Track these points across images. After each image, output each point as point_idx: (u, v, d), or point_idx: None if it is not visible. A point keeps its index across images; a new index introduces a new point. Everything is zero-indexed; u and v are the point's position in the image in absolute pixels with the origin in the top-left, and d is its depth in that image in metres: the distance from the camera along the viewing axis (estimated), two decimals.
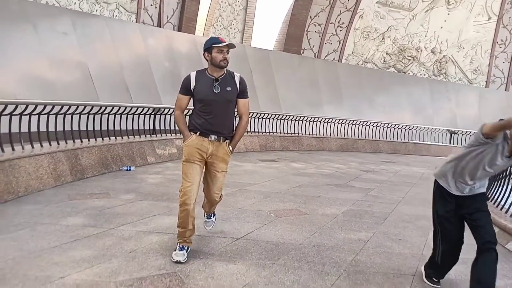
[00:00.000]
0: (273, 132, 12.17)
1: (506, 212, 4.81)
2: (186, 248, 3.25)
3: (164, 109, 8.96)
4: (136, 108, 8.17)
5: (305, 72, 15.92)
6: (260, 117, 11.59)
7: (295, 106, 14.54)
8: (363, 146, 13.97)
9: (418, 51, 18.48)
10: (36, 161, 5.14)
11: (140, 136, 8.10)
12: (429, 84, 18.27)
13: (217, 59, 3.16)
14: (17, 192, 4.69)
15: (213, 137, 3.23)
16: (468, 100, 18.36)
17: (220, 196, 3.49)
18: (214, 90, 3.16)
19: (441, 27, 18.18)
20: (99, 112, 7.10)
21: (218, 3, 17.23)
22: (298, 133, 12.79)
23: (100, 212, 4.33)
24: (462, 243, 3.03)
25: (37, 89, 9.10)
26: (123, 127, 7.74)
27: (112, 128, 7.45)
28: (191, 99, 3.30)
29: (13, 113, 5.24)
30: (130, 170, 6.90)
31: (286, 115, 12.68)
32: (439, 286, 3.08)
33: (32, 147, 5.52)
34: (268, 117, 11.98)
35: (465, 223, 2.98)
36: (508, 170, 5.33)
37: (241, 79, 3.29)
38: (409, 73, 18.55)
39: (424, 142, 15.39)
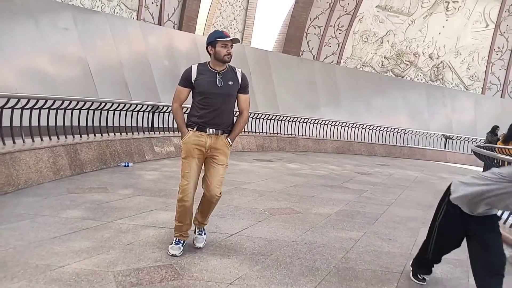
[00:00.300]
0: (270, 133, 12.29)
1: (504, 222, 4.92)
2: (182, 242, 3.35)
3: (163, 107, 9.07)
4: (135, 105, 8.27)
5: (303, 74, 16.05)
6: (258, 117, 11.71)
7: (292, 107, 14.67)
8: (359, 148, 14.11)
9: (416, 56, 18.66)
10: (36, 155, 5.24)
11: (138, 133, 8.20)
12: (426, 89, 18.46)
13: (221, 53, 3.12)
14: (17, 184, 4.78)
15: (211, 131, 3.19)
16: (464, 106, 18.57)
17: (220, 193, 3.32)
18: (217, 83, 3.14)
19: (439, 33, 18.37)
20: (99, 108, 7.19)
21: (219, 3, 17.35)
22: (295, 134, 12.91)
23: (98, 206, 4.43)
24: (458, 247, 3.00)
25: (37, 83, 9.18)
26: (122, 124, 7.84)
27: (111, 125, 7.55)
28: (190, 92, 3.28)
29: (15, 107, 5.33)
30: (128, 166, 7.00)
31: (284, 116, 12.80)
32: (425, 284, 3.20)
33: (33, 140, 5.61)
34: (266, 117, 12.10)
35: (468, 237, 2.83)
36: None
37: (243, 75, 3.29)
38: (406, 78, 18.72)
39: (419, 147, 15.56)
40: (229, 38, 3.13)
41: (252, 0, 17.76)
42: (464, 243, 2.97)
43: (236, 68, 3.28)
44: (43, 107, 5.86)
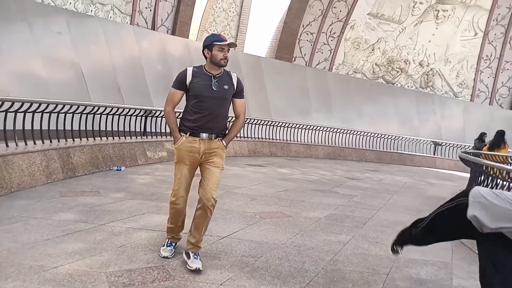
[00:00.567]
0: (262, 138, 12.39)
1: None
2: (174, 244, 3.42)
3: (156, 112, 9.12)
4: (128, 110, 8.32)
5: (296, 79, 16.22)
6: (250, 122, 11.80)
7: (284, 113, 14.80)
8: (349, 154, 14.27)
9: (407, 63, 18.94)
10: (29, 158, 5.27)
11: (131, 138, 8.24)
12: (416, 96, 18.73)
13: (218, 57, 3.08)
14: (10, 187, 4.81)
15: (204, 135, 3.15)
16: (453, 113, 18.86)
17: (215, 198, 3.18)
18: (213, 87, 3.10)
19: (429, 41, 18.69)
20: (92, 112, 7.24)
21: (213, 8, 17.51)
22: (287, 140, 13.03)
23: (90, 209, 4.48)
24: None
25: (30, 87, 9.20)
26: (115, 128, 7.89)
27: (104, 129, 7.59)
28: (184, 95, 3.22)
29: (8, 110, 5.36)
30: (120, 170, 7.04)
31: (276, 122, 12.92)
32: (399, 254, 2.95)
33: (26, 144, 5.65)
34: (258, 122, 12.20)
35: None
36: (486, 181, 5.60)
37: (238, 79, 3.26)
38: (397, 85, 18.98)
39: (409, 153, 15.77)
40: (226, 42, 3.10)
41: (246, 6, 17.96)
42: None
43: (232, 73, 3.26)
44: (36, 111, 5.90)
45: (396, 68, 18.88)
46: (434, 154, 16.37)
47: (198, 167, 3.28)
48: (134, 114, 8.51)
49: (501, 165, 5.64)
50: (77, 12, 11.58)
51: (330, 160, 13.23)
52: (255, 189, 6.64)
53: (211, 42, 3.11)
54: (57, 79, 10.02)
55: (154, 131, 9.22)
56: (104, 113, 7.56)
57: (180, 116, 3.32)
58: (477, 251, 4.50)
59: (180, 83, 3.17)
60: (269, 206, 5.48)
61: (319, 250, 3.91)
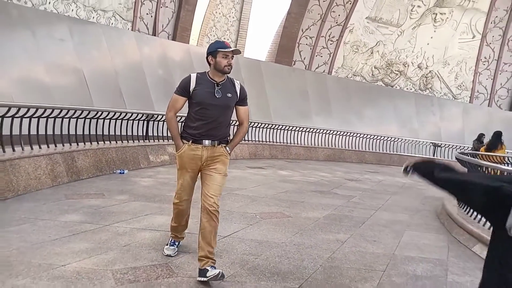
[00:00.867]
0: (262, 141, 12.52)
1: (474, 218, 5.18)
2: (177, 243, 3.53)
3: (157, 116, 9.26)
4: (130, 114, 8.45)
5: (295, 83, 16.36)
6: (251, 125, 11.92)
7: (285, 116, 14.92)
8: (349, 156, 14.38)
9: (405, 66, 19.09)
10: (35, 162, 5.40)
11: (133, 141, 8.37)
12: (415, 98, 18.85)
13: (222, 64, 3.07)
14: (16, 190, 4.95)
15: (206, 142, 3.12)
16: (452, 115, 18.97)
17: (218, 204, 3.07)
18: (216, 94, 3.08)
19: (428, 44, 18.84)
20: (95, 117, 7.38)
21: (213, 14, 17.69)
22: (287, 142, 13.16)
23: (95, 211, 4.61)
24: None
25: (34, 93, 9.34)
26: (117, 132, 8.02)
27: (107, 133, 7.73)
28: (186, 102, 3.22)
29: (15, 116, 5.50)
30: (123, 173, 7.17)
31: (276, 125, 13.05)
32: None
33: (31, 148, 5.79)
34: (258, 126, 12.33)
35: None
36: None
37: (241, 87, 3.26)
38: (396, 87, 19.12)
39: (409, 154, 15.85)
40: (231, 49, 3.09)
41: (245, 11, 18.15)
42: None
43: (235, 80, 3.25)
44: (42, 116, 6.04)
45: (395, 70, 19.02)
46: (433, 156, 16.46)
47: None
48: (136, 119, 8.64)
49: (497, 165, 5.73)
50: (79, 19, 11.76)
51: (330, 162, 13.34)
52: (255, 190, 6.76)
53: (215, 49, 3.10)
54: (61, 85, 10.18)
55: (156, 135, 9.35)
56: (107, 117, 7.70)
57: (183, 122, 3.33)
58: (473, 250, 4.61)
59: (183, 89, 3.15)
60: (269, 207, 5.60)
61: (318, 248, 4.02)
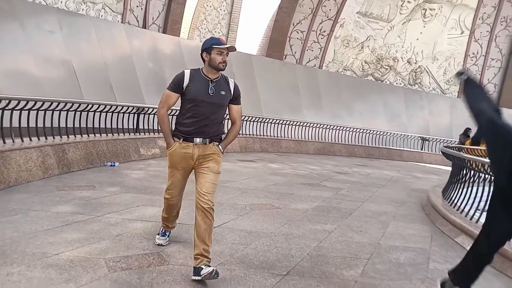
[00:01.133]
0: (253, 134, 12.62)
1: (457, 209, 5.36)
2: (168, 233, 3.62)
3: (148, 109, 9.28)
4: (120, 107, 8.47)
5: (286, 77, 16.44)
6: (242, 119, 11.97)
7: (275, 109, 15.02)
8: (339, 150, 14.56)
9: (395, 61, 19.27)
10: (26, 154, 5.43)
11: (124, 134, 8.40)
12: (404, 92, 19.08)
13: (216, 60, 3.04)
14: (8, 182, 4.97)
15: (198, 140, 3.08)
16: (440, 109, 19.24)
17: (212, 202, 3.02)
18: (209, 92, 3.04)
19: (417, 39, 19.03)
20: (85, 110, 7.39)
21: (204, 7, 17.62)
22: (278, 136, 13.28)
23: (87, 202, 4.66)
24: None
25: (23, 85, 9.28)
26: (108, 125, 8.04)
27: (98, 126, 7.75)
28: (179, 98, 3.16)
29: (5, 108, 5.51)
30: (114, 166, 7.21)
31: (267, 118, 13.15)
32: None
33: (22, 140, 5.80)
34: (249, 119, 12.41)
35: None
36: (468, 174, 5.85)
37: (235, 85, 3.21)
38: (386, 82, 19.31)
39: (397, 148, 16.11)
40: (226, 46, 3.06)
41: (236, 4, 18.11)
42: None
43: (229, 78, 3.21)
44: (32, 109, 6.05)
45: (385, 65, 19.19)
46: (421, 149, 16.74)
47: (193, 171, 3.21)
48: (126, 112, 8.66)
49: (481, 158, 5.89)
50: (68, 11, 11.66)
51: (320, 155, 13.50)
52: (245, 183, 6.86)
53: (210, 45, 3.06)
54: (50, 77, 10.12)
55: (147, 128, 9.37)
56: (97, 110, 7.71)
57: (174, 119, 3.29)
58: (455, 240, 4.75)
59: (177, 85, 3.09)
60: (259, 199, 5.71)
61: (305, 238, 4.14)
